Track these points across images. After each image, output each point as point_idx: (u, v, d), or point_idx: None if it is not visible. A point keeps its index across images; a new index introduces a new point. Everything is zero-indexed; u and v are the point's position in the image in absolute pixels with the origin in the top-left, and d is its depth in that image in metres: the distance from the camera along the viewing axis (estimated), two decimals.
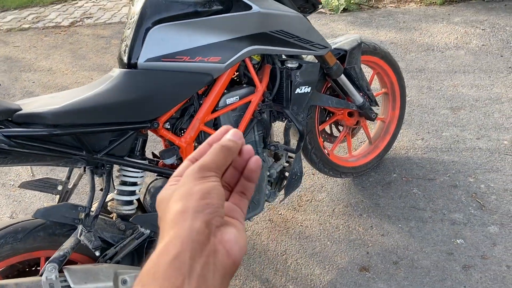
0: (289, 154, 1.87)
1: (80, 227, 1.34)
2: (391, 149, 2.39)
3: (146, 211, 1.63)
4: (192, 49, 1.43)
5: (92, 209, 1.37)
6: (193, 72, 1.45)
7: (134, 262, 1.52)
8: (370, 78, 2.20)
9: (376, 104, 2.11)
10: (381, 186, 2.22)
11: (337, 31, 3.91)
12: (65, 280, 1.26)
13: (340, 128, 2.22)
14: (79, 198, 2.27)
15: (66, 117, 1.25)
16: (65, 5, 5.89)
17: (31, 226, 1.35)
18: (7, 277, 1.39)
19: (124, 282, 1.38)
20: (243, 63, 1.62)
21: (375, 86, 2.41)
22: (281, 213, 2.16)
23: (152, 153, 1.77)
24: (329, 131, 2.24)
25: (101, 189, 1.47)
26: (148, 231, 1.48)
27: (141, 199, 1.62)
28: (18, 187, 1.51)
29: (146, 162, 1.53)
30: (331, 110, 2.10)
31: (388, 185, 2.22)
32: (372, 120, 2.11)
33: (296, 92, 1.68)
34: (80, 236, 1.34)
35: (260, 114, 1.66)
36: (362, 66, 2.03)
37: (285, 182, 1.87)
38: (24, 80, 3.91)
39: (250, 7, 1.46)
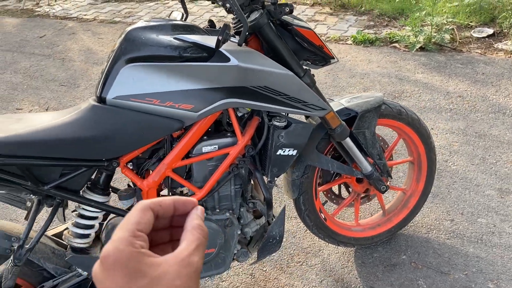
0: (273, 214, 1.70)
1: (11, 257, 1.32)
2: (409, 225, 2.08)
3: (102, 246, 1.58)
4: (163, 93, 1.34)
5: (27, 242, 1.34)
6: (162, 116, 1.36)
7: None
8: (394, 142, 1.93)
9: (389, 176, 1.85)
10: (383, 267, 1.94)
11: (404, 72, 3.57)
12: None
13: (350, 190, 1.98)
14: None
15: (10, 148, 1.22)
16: (157, 3, 6.16)
17: None
18: None
19: None
20: (226, 111, 1.49)
21: (402, 152, 2.11)
22: (265, 270, 1.98)
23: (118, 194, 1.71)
24: (337, 192, 2.01)
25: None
26: (85, 273, 1.42)
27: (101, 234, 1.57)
28: None
29: (104, 198, 1.47)
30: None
31: (393, 267, 1.93)
32: (382, 192, 1.85)
33: (278, 153, 1.51)
34: (10, 267, 1.32)
35: (236, 169, 1.52)
36: (387, 130, 1.78)
37: (260, 242, 1.71)
38: (93, 73, 4.13)
39: (228, 59, 1.32)
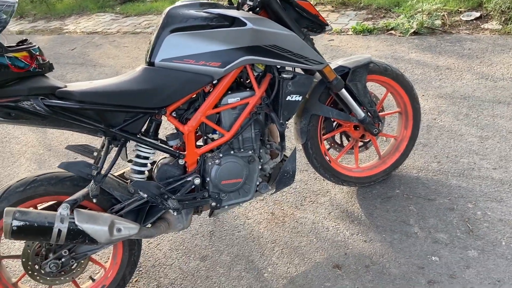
0: (285, 153, 2.12)
1: (92, 181, 1.77)
2: (402, 167, 2.48)
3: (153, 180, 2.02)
4: (197, 55, 1.78)
5: (103, 169, 1.79)
6: (196, 73, 1.81)
7: (136, 219, 1.91)
8: (383, 96, 2.35)
9: (380, 121, 2.26)
10: (381, 199, 2.34)
11: (399, 53, 3.98)
12: (73, 218, 1.69)
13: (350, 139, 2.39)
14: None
15: (89, 96, 1.68)
16: None
17: (61, 176, 1.81)
18: None
19: (119, 230, 1.77)
20: (245, 70, 1.93)
21: (390, 104, 2.52)
22: (283, 208, 2.40)
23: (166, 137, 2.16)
24: (339, 141, 2.43)
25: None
26: (145, 196, 1.86)
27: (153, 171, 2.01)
28: (65, 148, 1.99)
29: (155, 142, 1.92)
30: (339, 122, 2.30)
31: (388, 199, 2.33)
32: (374, 135, 2.26)
33: (287, 99, 1.94)
34: (92, 188, 1.76)
35: (255, 115, 1.95)
36: (376, 85, 2.20)
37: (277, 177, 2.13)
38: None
39: (245, 24, 1.77)
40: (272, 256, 2.11)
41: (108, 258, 2.07)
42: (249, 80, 1.96)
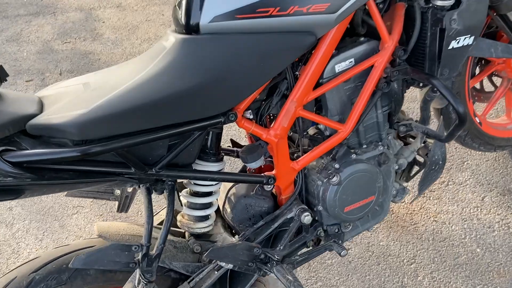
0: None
1: (137, 271, 0.97)
2: None
3: (227, 224, 1.23)
4: None
5: (152, 246, 0.97)
6: (285, 32, 0.93)
7: None
8: None
9: None
10: None
11: None
12: None
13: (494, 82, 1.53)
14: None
15: (98, 129, 0.82)
16: None
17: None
18: None
19: None
20: (362, 7, 1.03)
21: None
22: (403, 202, 1.62)
23: (231, 140, 1.31)
24: (478, 86, 1.57)
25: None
26: (230, 265, 1.07)
27: (220, 208, 1.20)
28: (65, 195, 1.16)
29: (220, 165, 1.08)
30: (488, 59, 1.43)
31: None
32: None
33: (450, 47, 1.06)
34: (138, 284, 0.97)
35: (387, 85, 1.09)
36: None
37: (414, 171, 1.32)
38: (94, 19, 3.60)
39: None
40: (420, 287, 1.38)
41: None
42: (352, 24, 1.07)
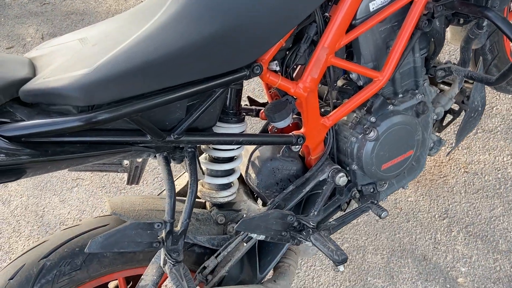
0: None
1: (162, 251, 0.85)
2: None
3: (251, 191, 1.11)
4: None
5: (176, 222, 0.85)
6: None
7: (242, 272, 1.05)
8: None
9: None
10: None
11: None
12: None
13: None
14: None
15: (106, 91, 0.67)
16: None
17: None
18: None
19: None
20: None
21: None
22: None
23: (248, 98, 1.17)
24: None
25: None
26: (262, 236, 0.96)
27: (243, 174, 1.08)
28: (68, 170, 1.03)
29: (242, 126, 0.95)
30: None
31: None
32: None
33: None
34: (164, 265, 0.86)
35: (429, 23, 0.95)
36: None
37: (447, 120, 1.21)
38: None
39: None
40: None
41: None
42: None
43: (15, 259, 0.87)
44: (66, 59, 0.73)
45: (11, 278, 0.84)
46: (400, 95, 1.05)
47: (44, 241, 0.90)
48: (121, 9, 2.95)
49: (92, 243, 0.79)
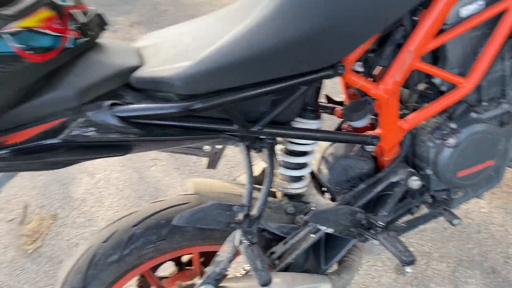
0: None
1: (238, 232, 0.92)
2: None
3: (320, 186, 1.15)
4: None
5: (252, 207, 0.92)
6: None
7: (306, 262, 1.09)
8: None
9: None
10: None
11: None
12: None
13: None
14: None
15: (206, 83, 0.74)
16: None
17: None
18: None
19: None
20: None
21: None
22: None
23: (326, 96, 1.20)
24: None
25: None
26: (330, 230, 1.00)
27: (315, 169, 1.12)
28: (161, 150, 1.13)
29: (319, 122, 0.99)
30: None
31: None
32: None
33: None
34: (239, 244, 0.93)
35: None
36: None
37: None
38: None
39: None
40: None
41: None
42: None
43: (110, 224, 0.98)
44: (170, 51, 0.81)
45: (105, 241, 0.95)
46: (485, 103, 1.02)
47: (134, 211, 1.00)
48: (204, 1, 3.08)
49: (179, 217, 0.87)
